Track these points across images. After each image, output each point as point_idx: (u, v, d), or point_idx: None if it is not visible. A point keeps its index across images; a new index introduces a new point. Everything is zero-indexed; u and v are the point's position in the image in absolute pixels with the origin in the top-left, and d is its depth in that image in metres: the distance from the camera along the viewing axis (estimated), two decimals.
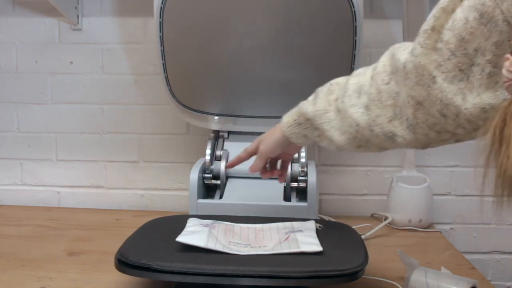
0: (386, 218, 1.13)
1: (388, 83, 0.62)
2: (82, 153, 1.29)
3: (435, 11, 0.54)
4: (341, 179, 1.26)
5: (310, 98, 0.74)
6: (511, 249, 1.26)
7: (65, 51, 1.27)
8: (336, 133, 0.68)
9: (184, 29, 0.98)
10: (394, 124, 0.62)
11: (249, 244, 0.76)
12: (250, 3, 0.95)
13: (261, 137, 0.81)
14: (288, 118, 0.76)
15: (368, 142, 0.66)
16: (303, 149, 1.06)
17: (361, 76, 0.67)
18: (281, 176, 0.87)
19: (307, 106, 0.72)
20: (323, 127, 0.70)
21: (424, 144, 0.62)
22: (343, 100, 0.67)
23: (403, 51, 0.60)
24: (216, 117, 1.10)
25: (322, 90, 0.72)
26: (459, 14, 0.51)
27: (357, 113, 0.64)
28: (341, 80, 0.71)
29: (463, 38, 0.51)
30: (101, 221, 1.14)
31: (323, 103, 0.70)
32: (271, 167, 0.86)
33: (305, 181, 1.01)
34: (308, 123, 0.73)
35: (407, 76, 0.57)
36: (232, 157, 1.06)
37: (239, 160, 0.86)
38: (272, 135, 0.79)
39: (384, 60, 0.64)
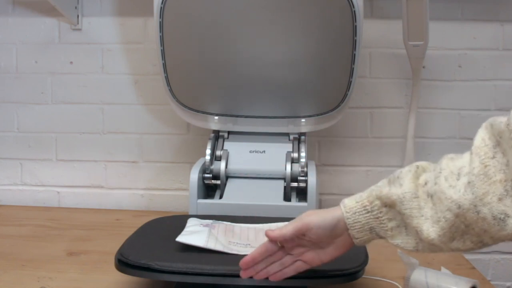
0: None
1: (493, 157, 0.53)
2: (82, 153, 1.29)
3: None
4: (341, 179, 1.26)
5: (382, 183, 0.62)
6: (511, 249, 1.26)
7: (65, 51, 1.27)
8: (426, 223, 0.56)
9: (184, 29, 0.98)
10: (506, 203, 0.51)
11: (249, 244, 0.76)
12: (249, 3, 0.95)
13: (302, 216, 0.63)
14: (353, 203, 0.62)
15: (467, 231, 0.55)
16: (303, 149, 1.06)
17: (457, 160, 0.57)
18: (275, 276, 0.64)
19: (389, 188, 0.60)
20: (412, 213, 0.57)
21: None
22: (437, 182, 0.56)
23: (502, 116, 0.53)
24: (216, 117, 1.10)
25: (407, 171, 0.61)
26: None
27: (458, 193, 0.54)
28: (425, 164, 0.61)
29: None
30: (101, 221, 1.14)
31: (411, 185, 0.59)
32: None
33: (305, 181, 1.01)
34: (384, 211, 0.60)
35: None
36: (232, 157, 1.07)
37: (262, 251, 0.64)
38: (323, 212, 0.63)
39: (481, 135, 0.55)
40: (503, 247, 1.26)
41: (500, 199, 0.51)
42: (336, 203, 1.33)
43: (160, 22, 0.97)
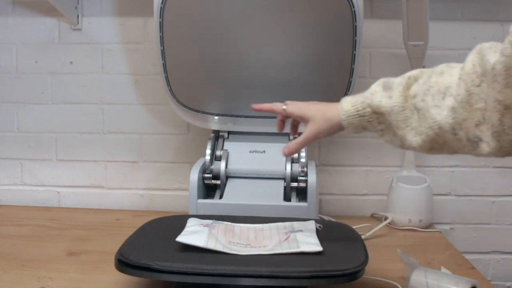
0: (386, 218, 1.13)
1: (479, 85, 0.56)
2: (82, 153, 1.29)
3: None
4: (341, 179, 1.26)
5: (377, 88, 0.68)
6: (511, 249, 1.26)
7: (65, 51, 1.27)
8: (411, 133, 0.64)
9: (184, 29, 0.98)
10: (481, 129, 0.56)
11: (249, 244, 0.76)
12: (249, 3, 0.95)
13: (306, 107, 0.74)
14: (349, 107, 0.69)
15: (444, 145, 0.62)
16: (303, 149, 1.06)
17: (446, 76, 0.61)
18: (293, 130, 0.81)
19: (380, 98, 0.67)
20: (398, 124, 0.65)
21: (506, 153, 0.57)
22: (424, 99, 0.62)
23: (494, 52, 0.56)
24: (216, 117, 1.10)
25: (399, 83, 0.66)
26: None
27: (441, 115, 0.59)
28: (417, 73, 0.66)
29: None
30: (101, 221, 1.14)
31: (400, 98, 0.65)
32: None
33: (305, 181, 1.01)
34: (374, 117, 0.68)
35: (495, 79, 0.53)
36: (232, 157, 1.07)
37: (269, 109, 0.79)
38: (325, 118, 0.72)
39: (472, 60, 0.59)
40: (503, 247, 1.26)
41: (476, 125, 0.56)
42: (336, 203, 1.33)
43: (160, 22, 0.97)
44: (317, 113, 0.73)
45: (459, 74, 0.59)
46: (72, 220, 1.14)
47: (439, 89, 0.61)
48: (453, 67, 0.62)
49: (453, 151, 0.62)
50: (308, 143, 0.74)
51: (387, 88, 0.67)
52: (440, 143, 0.62)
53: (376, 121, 0.68)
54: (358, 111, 0.69)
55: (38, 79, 1.28)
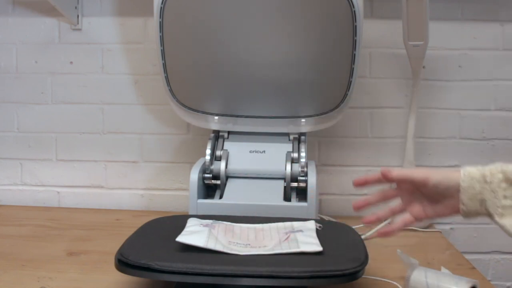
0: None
1: None
2: (82, 153, 1.29)
3: None
4: (341, 179, 1.26)
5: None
6: (511, 249, 1.26)
7: (65, 51, 1.27)
8: None
9: (184, 29, 0.98)
10: None
11: (249, 244, 0.76)
12: (249, 3, 0.95)
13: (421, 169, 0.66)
14: (474, 170, 0.62)
15: None
16: (303, 149, 1.06)
17: None
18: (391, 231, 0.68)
19: None
20: None
21: None
22: None
23: None
24: (216, 117, 1.10)
25: None
26: None
27: None
28: None
29: None
30: (101, 221, 1.14)
31: None
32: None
33: (305, 181, 1.01)
34: (503, 186, 0.60)
35: None
36: (232, 157, 1.07)
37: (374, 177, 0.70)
38: (447, 172, 0.64)
39: None
40: (503, 247, 1.26)
41: None
42: (336, 203, 1.32)
43: (160, 22, 0.97)
44: (439, 172, 0.65)
45: None
46: (72, 220, 1.14)
47: None
48: None
49: None
50: (413, 180, 0.65)
51: None
52: None
53: (503, 194, 0.60)
54: (484, 175, 0.61)
55: (38, 79, 1.28)
